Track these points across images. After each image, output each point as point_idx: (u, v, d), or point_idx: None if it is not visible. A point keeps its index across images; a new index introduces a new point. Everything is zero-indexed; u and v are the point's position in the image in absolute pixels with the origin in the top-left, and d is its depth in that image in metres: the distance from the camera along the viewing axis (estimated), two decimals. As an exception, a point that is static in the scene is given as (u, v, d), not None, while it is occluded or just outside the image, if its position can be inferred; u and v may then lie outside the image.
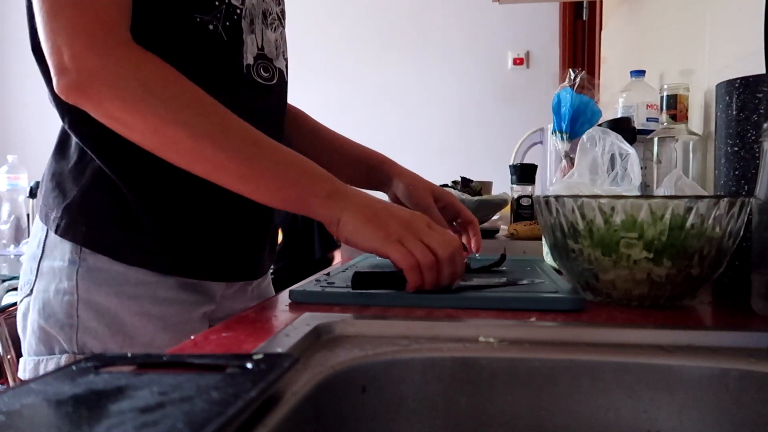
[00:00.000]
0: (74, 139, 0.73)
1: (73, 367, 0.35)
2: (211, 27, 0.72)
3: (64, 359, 0.72)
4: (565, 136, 1.32)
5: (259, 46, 0.79)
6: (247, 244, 0.81)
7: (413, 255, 0.62)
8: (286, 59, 0.86)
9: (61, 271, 0.72)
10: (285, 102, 0.88)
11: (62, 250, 0.72)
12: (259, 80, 0.78)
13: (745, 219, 0.60)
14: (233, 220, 0.77)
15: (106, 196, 0.71)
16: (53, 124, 0.75)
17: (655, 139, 1.07)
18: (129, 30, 0.65)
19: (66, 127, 0.73)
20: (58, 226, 0.72)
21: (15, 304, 1.94)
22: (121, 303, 0.71)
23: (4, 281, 1.73)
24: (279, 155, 0.67)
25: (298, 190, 0.66)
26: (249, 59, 0.77)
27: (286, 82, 0.86)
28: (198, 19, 0.71)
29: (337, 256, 2.32)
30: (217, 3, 0.72)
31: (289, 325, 0.51)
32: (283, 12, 0.87)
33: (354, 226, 0.64)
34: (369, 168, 0.95)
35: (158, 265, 0.73)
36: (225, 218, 0.76)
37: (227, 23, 0.73)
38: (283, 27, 0.86)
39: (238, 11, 0.74)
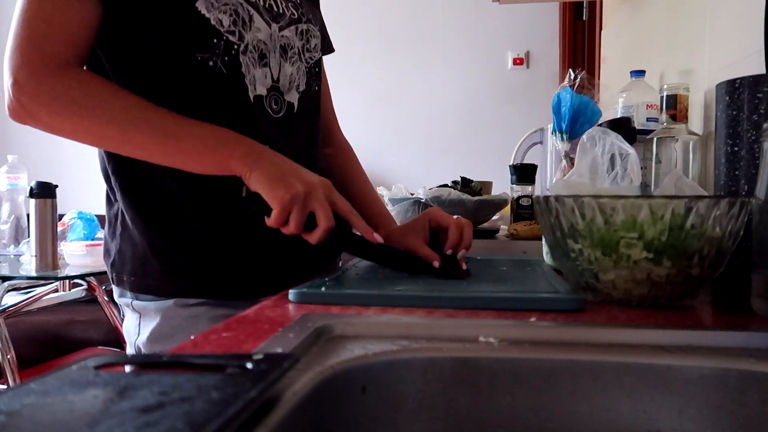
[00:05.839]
0: (113, 210, 0.86)
1: (73, 367, 0.35)
2: (211, 63, 0.79)
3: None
4: (565, 136, 1.32)
5: (274, 79, 0.85)
6: (258, 264, 0.84)
7: (289, 221, 0.72)
8: (301, 92, 0.89)
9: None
10: (304, 133, 0.91)
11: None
12: (270, 111, 0.84)
13: (745, 219, 0.60)
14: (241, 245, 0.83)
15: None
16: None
17: (655, 139, 1.07)
18: (77, 56, 0.74)
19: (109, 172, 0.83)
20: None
21: (15, 304, 1.94)
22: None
23: (4, 281, 1.72)
24: (197, 129, 0.74)
25: (218, 154, 0.73)
26: (261, 90, 0.83)
27: (302, 115, 0.89)
28: (199, 58, 0.78)
29: None
30: (215, 40, 0.79)
31: (288, 325, 0.51)
32: (305, 48, 0.91)
33: (260, 178, 0.72)
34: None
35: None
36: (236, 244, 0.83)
37: (226, 58, 0.80)
38: (304, 62, 0.90)
39: (236, 46, 0.80)
